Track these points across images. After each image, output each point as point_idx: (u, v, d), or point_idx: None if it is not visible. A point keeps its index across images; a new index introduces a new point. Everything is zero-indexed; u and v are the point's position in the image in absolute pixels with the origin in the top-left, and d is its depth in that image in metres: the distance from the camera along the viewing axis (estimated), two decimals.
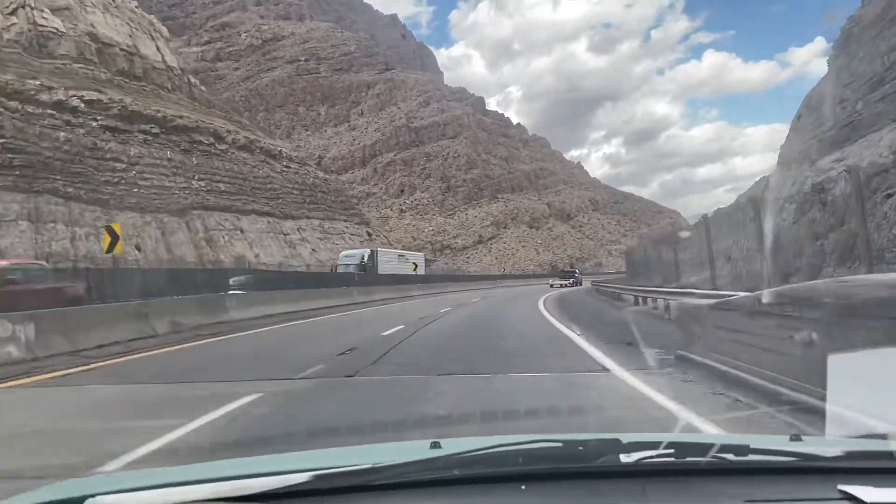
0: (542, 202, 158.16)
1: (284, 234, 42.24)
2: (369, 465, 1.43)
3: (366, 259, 41.23)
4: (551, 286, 51.74)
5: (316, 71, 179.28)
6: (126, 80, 37.87)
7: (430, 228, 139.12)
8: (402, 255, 48.48)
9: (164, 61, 42.26)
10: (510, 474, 1.44)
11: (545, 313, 17.96)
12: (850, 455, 1.44)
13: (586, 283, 48.72)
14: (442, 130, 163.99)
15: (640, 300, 19.63)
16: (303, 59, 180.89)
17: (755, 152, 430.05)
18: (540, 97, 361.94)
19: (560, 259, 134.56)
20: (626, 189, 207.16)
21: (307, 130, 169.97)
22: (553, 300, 25.51)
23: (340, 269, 37.82)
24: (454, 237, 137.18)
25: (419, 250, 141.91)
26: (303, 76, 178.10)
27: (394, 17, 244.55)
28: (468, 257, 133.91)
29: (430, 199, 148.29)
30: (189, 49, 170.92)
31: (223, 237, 37.08)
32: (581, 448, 1.54)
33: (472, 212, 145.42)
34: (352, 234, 53.24)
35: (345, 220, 53.72)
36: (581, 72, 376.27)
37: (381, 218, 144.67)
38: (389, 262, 44.36)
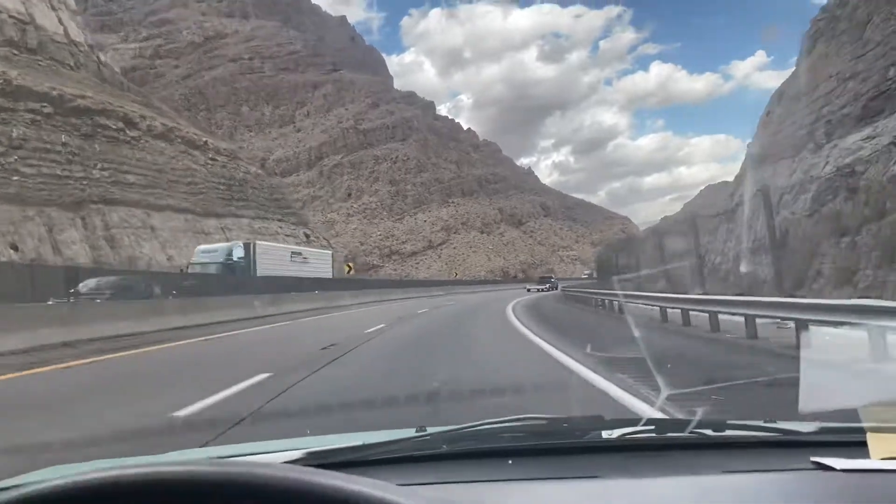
0: (494, 207, 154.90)
1: (205, 234, 37.11)
2: (360, 443, 1.48)
3: (235, 256, 30.17)
4: (528, 290, 53.07)
5: (260, 70, 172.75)
6: (15, 52, 32.38)
7: (379, 233, 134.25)
8: (298, 253, 37.14)
9: (66, 34, 36.81)
10: (497, 450, 1.46)
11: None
12: (823, 430, 1.49)
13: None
14: (391, 133, 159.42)
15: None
16: (247, 57, 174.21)
17: (699, 162, 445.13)
18: (490, 105, 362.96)
19: (512, 265, 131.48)
20: (575, 197, 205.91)
21: (251, 131, 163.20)
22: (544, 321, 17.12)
23: (197, 269, 28.18)
24: (403, 242, 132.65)
25: (367, 255, 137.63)
26: (246, 75, 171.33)
27: (343, 20, 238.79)
28: (417, 263, 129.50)
29: (378, 203, 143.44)
30: (126, 45, 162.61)
31: (128, 236, 31.82)
32: (566, 425, 1.60)
33: (421, 216, 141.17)
34: (287, 236, 48.20)
35: (279, 220, 48.64)
36: (531, 80, 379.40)
37: (326, 222, 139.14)
38: (276, 260, 32.68)
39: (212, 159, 43.90)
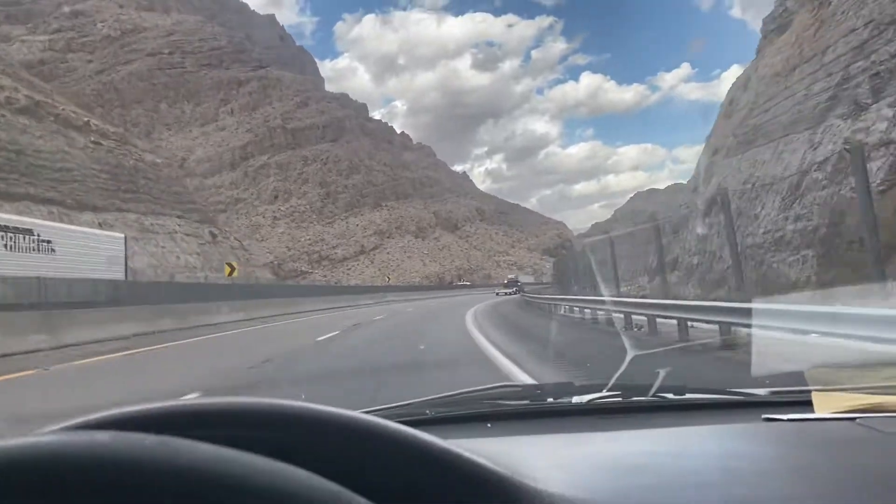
0: (429, 211, 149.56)
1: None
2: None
3: None
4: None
5: (181, 65, 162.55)
6: None
7: (308, 238, 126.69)
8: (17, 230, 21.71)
9: None
10: (476, 414, 1.58)
11: None
12: (774, 393, 1.65)
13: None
14: (321, 133, 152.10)
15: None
16: (166, 51, 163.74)
17: (627, 170, 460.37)
18: (424, 112, 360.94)
19: (448, 270, 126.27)
20: (510, 202, 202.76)
21: (169, 130, 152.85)
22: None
23: None
24: (333, 247, 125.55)
25: (295, 261, 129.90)
26: (165, 70, 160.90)
27: (272, 18, 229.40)
28: (349, 269, 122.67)
29: (307, 206, 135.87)
30: (34, 38, 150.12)
31: None
32: (539, 391, 1.77)
33: (353, 220, 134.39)
34: (186, 234, 41.22)
35: (178, 217, 41.56)
36: (465, 88, 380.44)
37: (251, 226, 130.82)
38: None
39: (94, 143, 36.72)
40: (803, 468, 1.00)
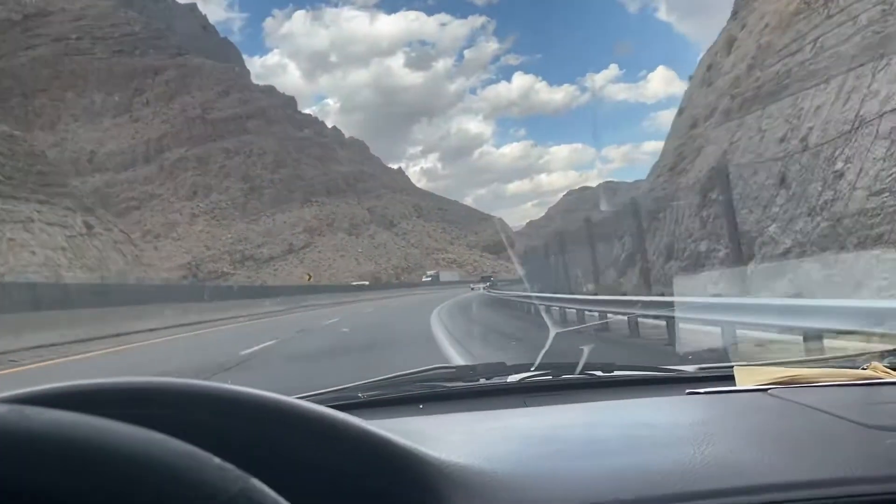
0: (363, 207, 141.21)
1: None
2: None
3: None
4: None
5: (90, 52, 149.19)
6: None
7: (230, 236, 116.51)
8: None
9: None
10: (409, 396, 1.59)
11: None
12: (699, 370, 1.72)
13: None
14: (244, 124, 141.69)
15: None
16: (74, 37, 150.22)
17: (558, 170, 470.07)
18: (358, 110, 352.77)
19: (384, 269, 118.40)
20: (449, 198, 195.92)
21: (77, 121, 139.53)
22: None
23: None
24: (258, 246, 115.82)
25: (216, 262, 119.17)
26: (73, 57, 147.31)
27: (193, 7, 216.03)
28: (276, 269, 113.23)
29: (229, 202, 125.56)
30: None
31: None
32: (471, 371, 1.81)
33: (280, 217, 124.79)
34: (49, 224, 32.28)
35: (40, 203, 32.58)
36: (398, 87, 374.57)
37: (167, 224, 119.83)
38: None
39: None
40: (711, 435, 1.04)
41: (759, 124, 20.44)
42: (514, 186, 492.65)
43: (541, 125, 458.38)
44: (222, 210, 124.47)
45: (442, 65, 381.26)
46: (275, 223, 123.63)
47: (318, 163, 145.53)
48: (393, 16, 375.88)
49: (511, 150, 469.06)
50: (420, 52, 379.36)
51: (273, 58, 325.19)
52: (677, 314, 7.28)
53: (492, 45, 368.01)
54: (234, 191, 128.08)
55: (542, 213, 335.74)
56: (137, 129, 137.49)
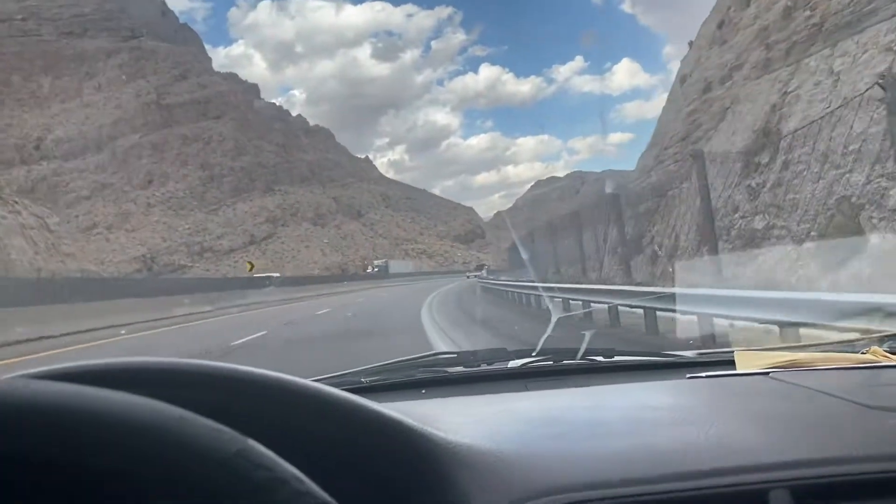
0: (328, 196, 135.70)
1: None
2: None
3: None
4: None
5: (36, 33, 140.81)
6: None
7: (187, 227, 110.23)
8: None
9: None
10: (412, 381, 1.60)
11: None
12: (701, 354, 1.75)
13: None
14: (203, 109, 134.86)
15: None
16: (18, 17, 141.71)
17: (525, 161, 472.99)
18: (324, 101, 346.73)
19: (351, 260, 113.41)
20: (417, 188, 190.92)
21: (23, 106, 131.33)
22: None
23: None
24: (218, 237, 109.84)
25: (172, 254, 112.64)
26: (17, 38, 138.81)
27: None
28: (236, 261, 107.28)
29: (187, 191, 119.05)
30: None
31: None
32: (473, 356, 1.79)
33: (241, 206, 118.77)
34: None
35: None
36: (365, 78, 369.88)
37: (120, 214, 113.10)
38: None
39: None
40: (714, 416, 1.04)
41: (829, 65, 16.31)
42: (481, 178, 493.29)
43: (508, 117, 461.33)
44: (179, 199, 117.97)
45: (409, 56, 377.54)
46: (235, 213, 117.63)
47: (282, 150, 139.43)
48: (359, 6, 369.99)
49: (478, 142, 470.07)
50: (387, 43, 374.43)
51: (238, 48, 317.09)
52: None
53: (459, 37, 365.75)
54: (192, 179, 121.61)
55: (510, 204, 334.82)
56: (88, 114, 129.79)
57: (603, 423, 1.07)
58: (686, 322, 6.88)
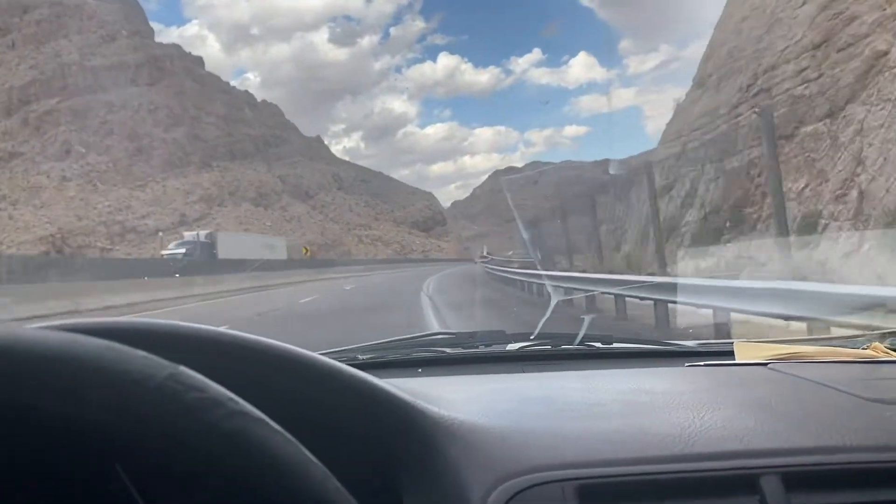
0: (274, 175, 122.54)
1: None
2: None
3: None
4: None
5: None
6: None
7: (108, 204, 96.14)
8: None
9: None
10: (409, 360, 1.59)
11: None
12: (701, 344, 1.74)
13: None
14: (134, 75, 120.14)
15: None
16: None
17: (482, 152, 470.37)
18: (279, 85, 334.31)
19: (296, 246, 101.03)
20: (374, 170, 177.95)
21: None
22: None
23: None
24: (143, 217, 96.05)
25: (88, 234, 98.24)
26: None
27: None
28: (163, 244, 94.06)
29: (110, 165, 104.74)
30: None
31: None
32: (471, 338, 1.79)
33: (173, 183, 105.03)
34: None
35: None
36: (322, 63, 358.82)
37: (30, 188, 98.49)
38: None
39: None
40: (710, 403, 1.04)
41: None
42: (437, 168, 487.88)
43: (466, 107, 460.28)
44: (101, 174, 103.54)
45: (367, 41, 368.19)
46: (165, 190, 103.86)
47: (222, 122, 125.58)
48: None
49: (435, 131, 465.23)
50: (345, 28, 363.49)
51: (192, 28, 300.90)
52: None
53: (418, 24, 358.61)
54: (118, 151, 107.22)
55: (467, 195, 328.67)
56: None
57: (597, 404, 1.07)
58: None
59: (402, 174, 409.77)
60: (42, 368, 0.44)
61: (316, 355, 0.71)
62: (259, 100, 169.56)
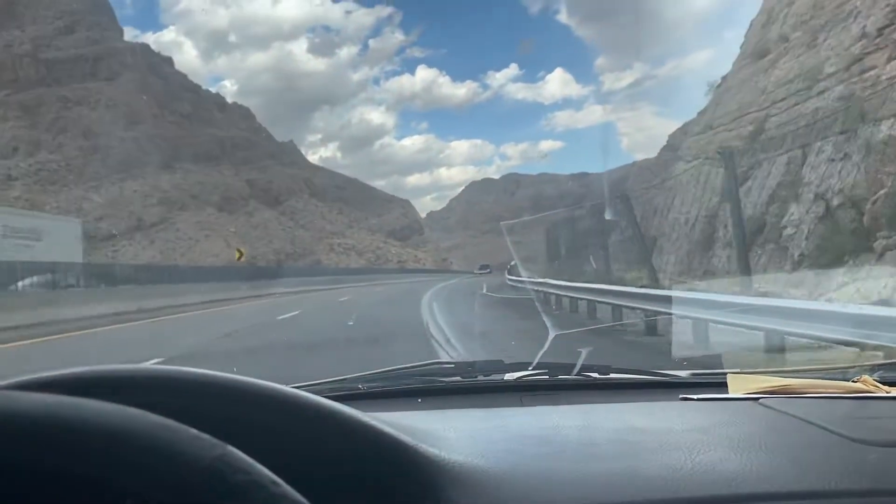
0: (241, 179, 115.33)
1: None
2: None
3: None
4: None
5: None
6: None
7: (56, 205, 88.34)
8: None
9: None
10: (408, 390, 1.62)
11: None
12: (693, 375, 1.78)
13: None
14: (92, 69, 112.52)
15: None
16: None
17: (458, 164, 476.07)
18: (256, 94, 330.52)
19: (263, 254, 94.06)
20: (347, 175, 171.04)
21: None
22: None
23: None
24: (97, 220, 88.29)
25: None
26: None
27: None
28: (117, 250, 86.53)
29: (63, 163, 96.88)
30: None
31: None
32: (470, 368, 1.83)
33: (130, 184, 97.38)
34: None
35: None
36: (300, 72, 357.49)
37: None
38: None
39: None
40: (701, 443, 1.05)
41: None
42: (414, 179, 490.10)
43: (443, 119, 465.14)
44: (52, 173, 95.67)
45: (346, 53, 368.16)
46: (122, 192, 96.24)
47: (186, 122, 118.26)
48: None
49: (412, 143, 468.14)
50: (324, 39, 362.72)
51: (169, 34, 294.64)
52: None
53: (397, 37, 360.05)
54: (71, 149, 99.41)
55: (443, 206, 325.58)
56: None
57: (593, 443, 1.09)
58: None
59: (378, 185, 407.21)
60: (87, 444, 0.44)
61: (311, 395, 0.70)
62: (230, 101, 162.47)
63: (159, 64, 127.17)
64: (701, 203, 17.65)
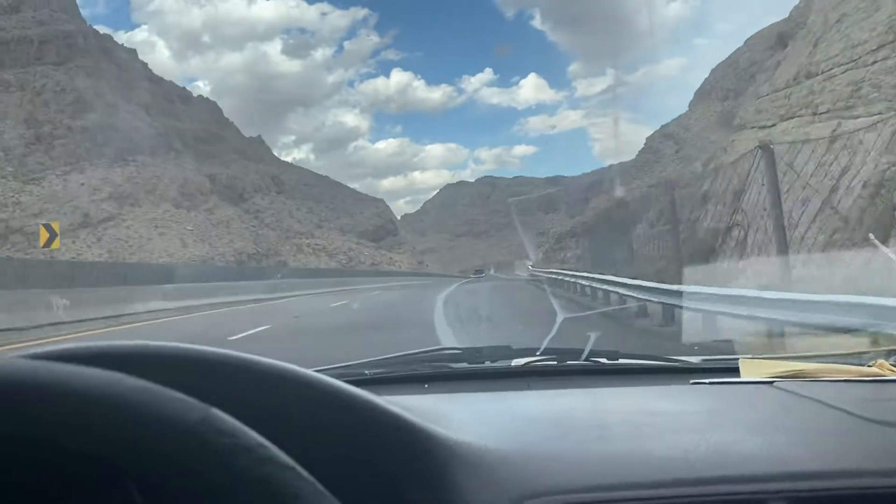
0: (202, 173, 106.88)
1: None
2: None
3: None
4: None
5: None
6: None
7: None
8: None
9: None
10: (415, 375, 1.60)
11: None
12: (704, 361, 1.74)
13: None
14: (39, 52, 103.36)
15: None
16: None
17: (432, 168, 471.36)
18: (230, 94, 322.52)
19: (222, 254, 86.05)
20: (319, 173, 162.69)
21: None
22: None
23: None
24: (36, 215, 79.57)
25: None
26: None
27: None
28: (60, 248, 78.09)
29: (0, 153, 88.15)
30: None
31: None
32: (477, 353, 1.78)
33: (76, 177, 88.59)
34: None
35: None
36: (274, 73, 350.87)
37: None
38: None
39: None
40: (715, 424, 1.04)
41: None
42: (388, 182, 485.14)
43: (417, 123, 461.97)
44: None
45: (321, 54, 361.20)
46: (67, 185, 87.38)
47: (144, 113, 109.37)
48: (271, 0, 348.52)
49: (386, 146, 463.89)
50: (299, 40, 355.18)
51: (141, 34, 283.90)
52: None
53: (372, 39, 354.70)
54: (11, 138, 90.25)
55: (417, 209, 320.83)
56: None
57: (604, 425, 1.07)
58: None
59: (352, 187, 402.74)
60: (69, 406, 0.44)
61: (321, 376, 0.70)
62: (195, 95, 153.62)
63: (112, 48, 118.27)
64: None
